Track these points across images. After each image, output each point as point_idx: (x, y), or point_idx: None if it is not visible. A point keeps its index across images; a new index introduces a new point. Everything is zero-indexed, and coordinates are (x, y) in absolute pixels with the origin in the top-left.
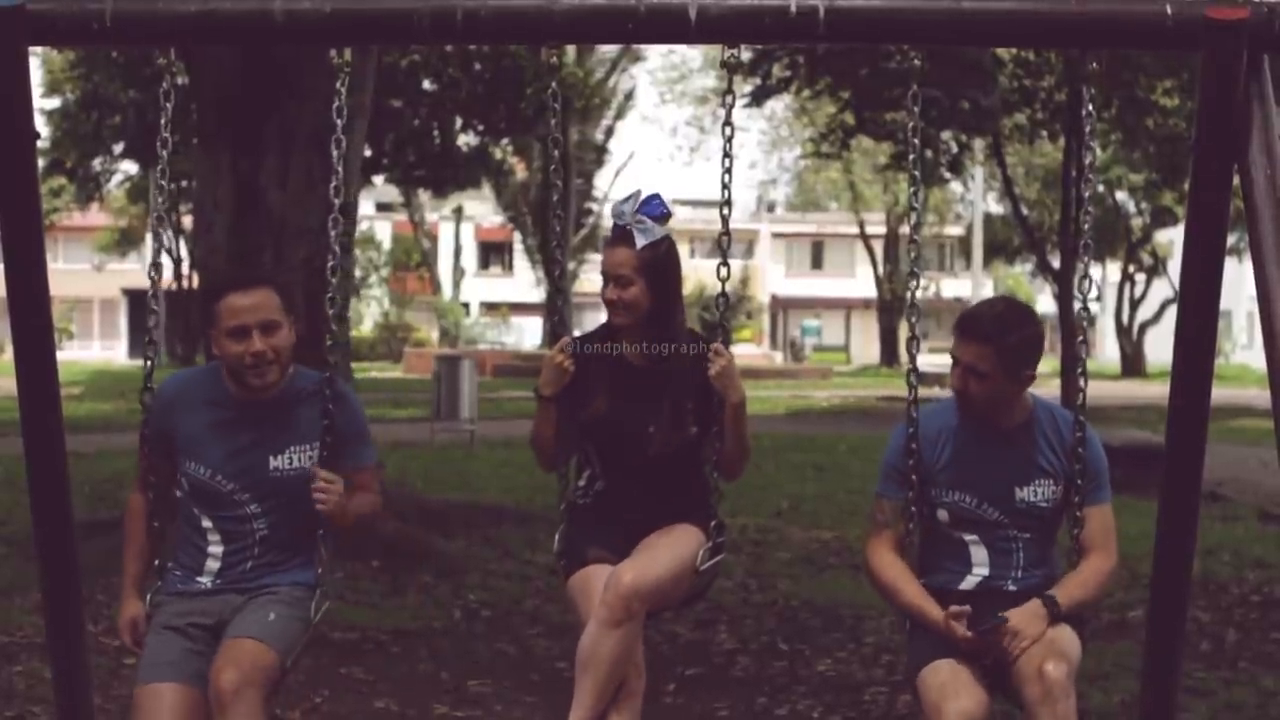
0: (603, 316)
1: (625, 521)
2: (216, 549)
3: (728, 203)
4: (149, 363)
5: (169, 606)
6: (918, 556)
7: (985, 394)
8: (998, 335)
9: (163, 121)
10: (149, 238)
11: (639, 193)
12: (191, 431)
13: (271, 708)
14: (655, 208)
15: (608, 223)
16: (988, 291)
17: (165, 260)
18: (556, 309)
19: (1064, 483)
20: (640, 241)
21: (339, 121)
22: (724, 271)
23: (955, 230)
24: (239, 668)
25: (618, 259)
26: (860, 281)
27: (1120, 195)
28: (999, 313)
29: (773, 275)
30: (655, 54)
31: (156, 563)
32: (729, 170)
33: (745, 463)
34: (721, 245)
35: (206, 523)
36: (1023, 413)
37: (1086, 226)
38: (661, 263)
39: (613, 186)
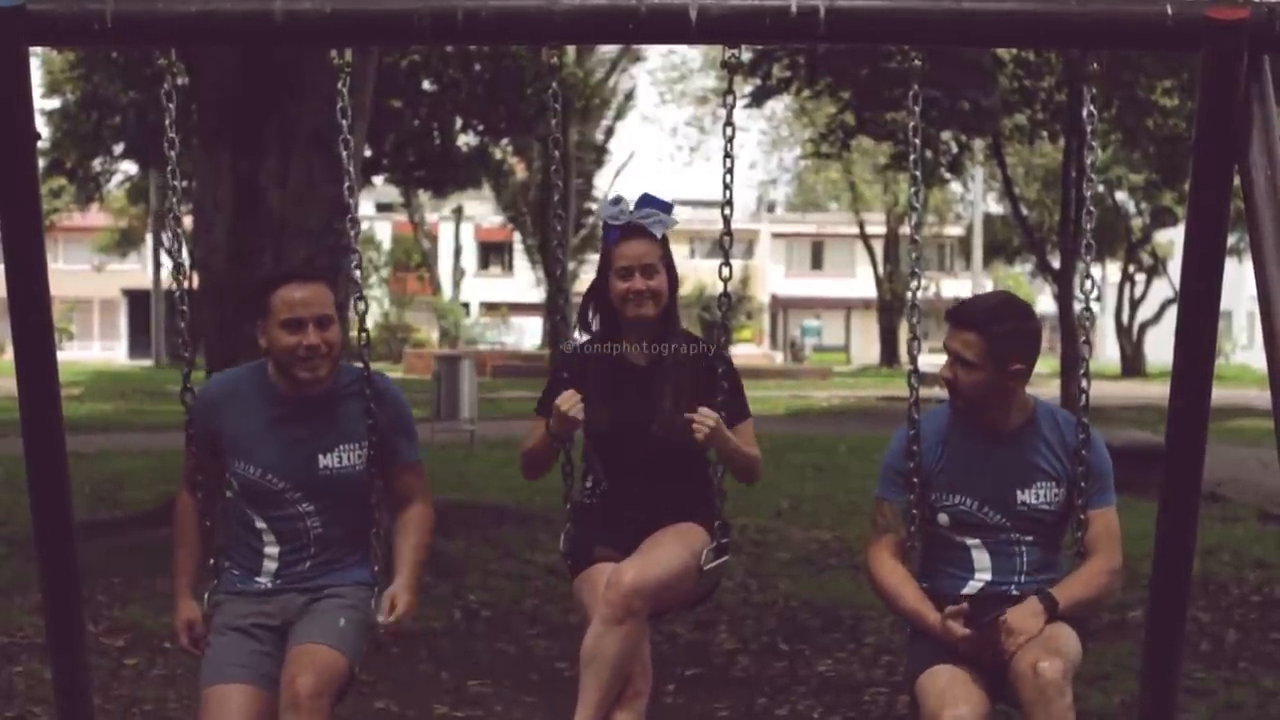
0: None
1: (630, 521)
2: (272, 549)
3: (729, 203)
4: (186, 365)
5: (229, 606)
6: (919, 562)
7: (973, 385)
8: (985, 324)
9: (166, 122)
10: (149, 238)
11: (620, 196)
12: (239, 431)
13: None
14: (660, 201)
15: None
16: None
17: (166, 260)
18: (558, 308)
19: (1066, 485)
20: (659, 232)
21: (345, 122)
22: (726, 271)
23: (955, 230)
24: (317, 675)
25: (640, 250)
26: (860, 281)
27: (1120, 195)
28: (991, 304)
29: (773, 275)
30: (655, 54)
31: (212, 562)
32: (730, 170)
33: (755, 472)
34: (723, 245)
35: (260, 523)
36: (1022, 414)
37: (1088, 227)
38: (671, 255)
39: (613, 186)
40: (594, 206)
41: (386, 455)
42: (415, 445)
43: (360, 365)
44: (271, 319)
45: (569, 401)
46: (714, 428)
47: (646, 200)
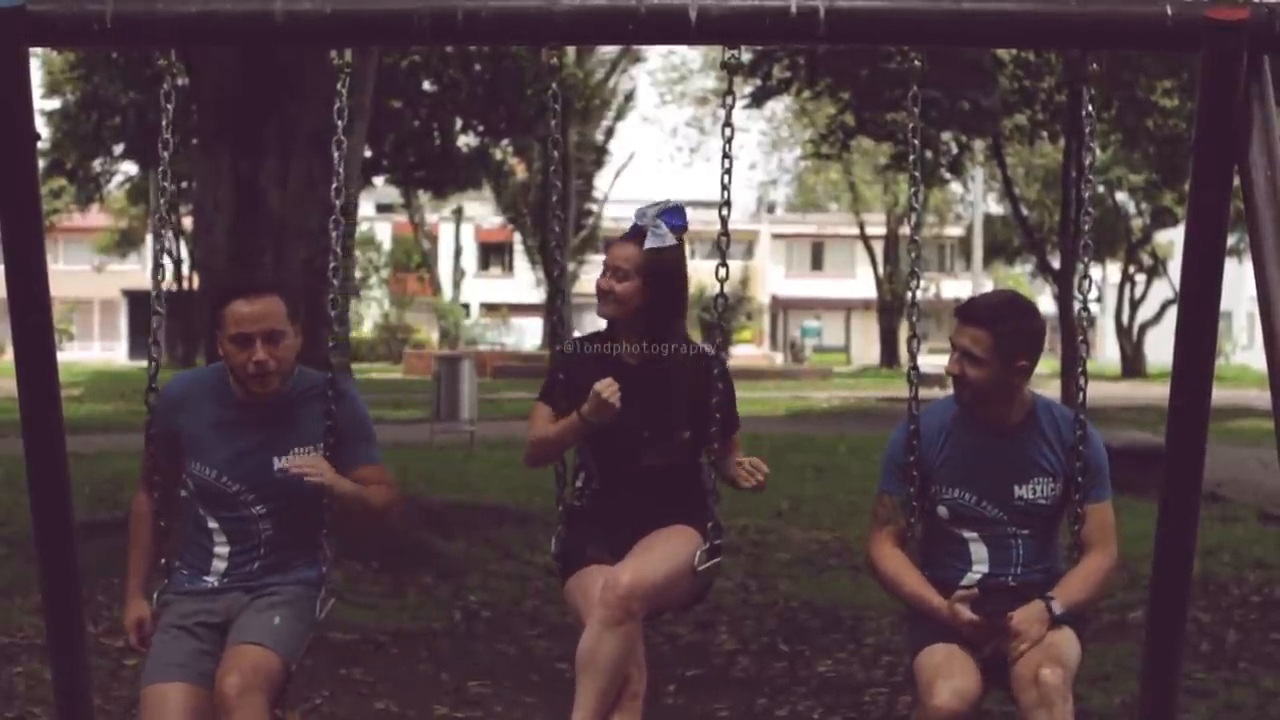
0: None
1: (621, 524)
2: (223, 549)
3: (727, 204)
4: (153, 363)
5: (176, 606)
6: (919, 552)
7: (979, 380)
8: (993, 321)
9: (164, 123)
10: (149, 239)
11: (669, 201)
12: (197, 432)
13: (275, 711)
14: (675, 216)
15: (607, 224)
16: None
17: (166, 261)
18: (556, 309)
19: (1064, 480)
20: (649, 243)
21: (340, 123)
22: (723, 272)
23: (955, 231)
24: (242, 673)
25: (622, 252)
26: (860, 282)
27: (1120, 195)
28: (997, 302)
29: (773, 276)
30: (655, 55)
31: (163, 562)
32: (728, 171)
33: None
34: (721, 246)
35: (212, 523)
36: (1022, 410)
37: (1087, 227)
38: (665, 267)
39: (613, 187)
40: (594, 207)
41: (344, 459)
42: (374, 449)
43: (318, 371)
44: (222, 333)
45: (610, 389)
46: (761, 481)
47: (672, 211)
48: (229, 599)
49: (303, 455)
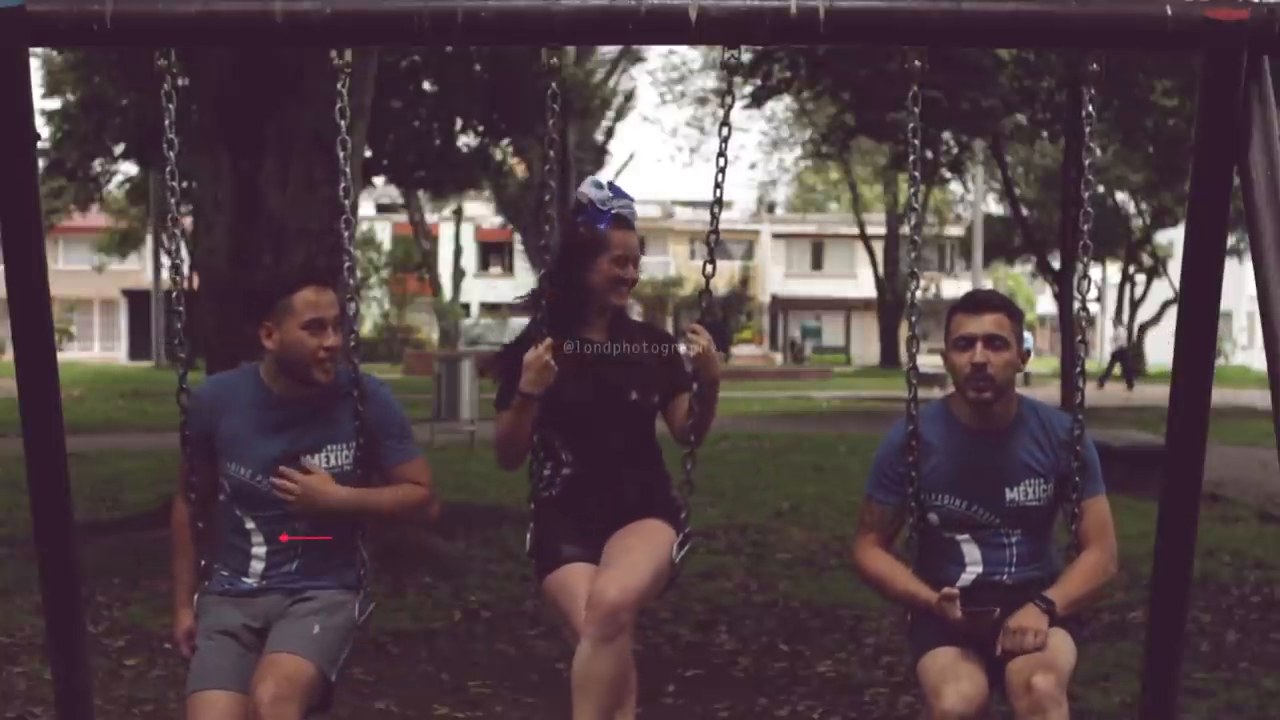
0: None
1: (594, 513)
2: (260, 549)
3: (719, 201)
4: (182, 366)
5: (216, 609)
6: (913, 556)
7: (1008, 366)
8: (1004, 304)
9: (166, 123)
10: (149, 239)
11: (601, 180)
12: (232, 432)
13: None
14: (627, 192)
15: None
16: None
17: (166, 261)
18: (544, 309)
19: (1054, 480)
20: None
21: (343, 123)
22: (709, 269)
23: (955, 231)
24: (277, 682)
25: (633, 240)
26: (860, 282)
27: (1120, 195)
28: (993, 292)
29: (773, 276)
30: (655, 55)
31: (202, 564)
32: (723, 170)
33: (710, 421)
34: (709, 243)
35: (249, 524)
36: (1011, 413)
37: (1086, 227)
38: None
39: None
40: None
41: (379, 458)
42: (410, 444)
43: (350, 370)
44: (291, 320)
45: (540, 357)
46: (706, 347)
47: (621, 190)
48: (269, 601)
49: (288, 471)
